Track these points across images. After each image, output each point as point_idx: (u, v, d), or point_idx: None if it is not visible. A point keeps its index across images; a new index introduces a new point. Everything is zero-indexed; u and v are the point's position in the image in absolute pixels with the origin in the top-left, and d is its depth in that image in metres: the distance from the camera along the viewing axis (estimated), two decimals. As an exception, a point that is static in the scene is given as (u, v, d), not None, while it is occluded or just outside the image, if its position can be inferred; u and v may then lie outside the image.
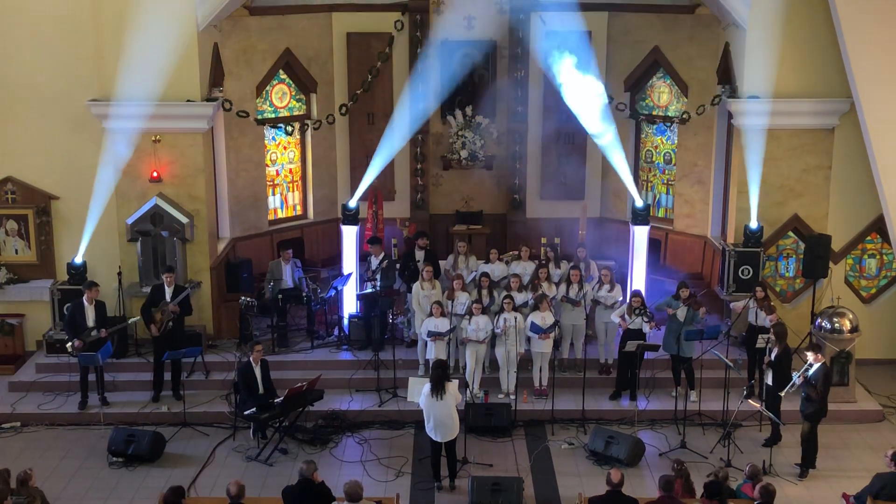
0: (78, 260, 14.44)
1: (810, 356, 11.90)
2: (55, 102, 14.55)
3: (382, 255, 14.91)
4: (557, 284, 14.16)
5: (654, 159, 17.11)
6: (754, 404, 12.28)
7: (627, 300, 13.78)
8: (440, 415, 11.43)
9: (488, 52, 16.82)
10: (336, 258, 15.92)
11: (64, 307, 13.74)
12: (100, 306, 13.49)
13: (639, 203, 15.07)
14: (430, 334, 13.44)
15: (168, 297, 13.59)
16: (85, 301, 13.38)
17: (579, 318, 14.05)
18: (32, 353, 15.12)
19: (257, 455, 12.48)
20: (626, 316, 13.49)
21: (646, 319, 13.35)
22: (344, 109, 16.74)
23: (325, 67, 16.94)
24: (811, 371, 11.82)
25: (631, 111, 16.83)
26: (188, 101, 14.22)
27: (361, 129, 17.09)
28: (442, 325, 13.46)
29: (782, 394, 12.05)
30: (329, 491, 9.83)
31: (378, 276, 14.67)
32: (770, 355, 12.40)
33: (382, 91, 16.93)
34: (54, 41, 14.42)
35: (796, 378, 11.83)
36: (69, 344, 13.32)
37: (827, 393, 11.97)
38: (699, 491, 10.29)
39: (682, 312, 13.36)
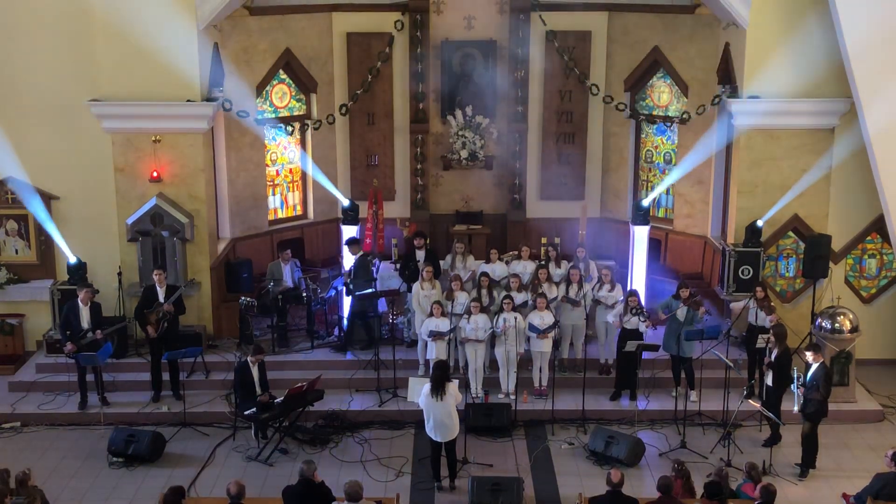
0: (71, 260, 14.42)
1: (809, 356, 11.91)
2: (55, 102, 14.54)
3: (360, 253, 14.76)
4: (558, 284, 14.16)
5: (654, 159, 17.09)
6: (754, 404, 12.28)
7: (625, 300, 13.78)
8: (440, 415, 11.42)
9: (488, 52, 16.82)
10: (336, 258, 15.92)
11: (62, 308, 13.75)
12: (95, 307, 13.47)
13: (645, 203, 15.17)
14: (431, 334, 13.43)
15: (161, 296, 13.57)
16: (80, 302, 13.35)
17: (579, 318, 14.04)
18: (32, 353, 15.12)
19: (257, 455, 12.48)
20: (622, 316, 13.49)
21: (642, 319, 13.35)
22: (344, 109, 16.74)
23: (325, 67, 16.94)
24: (810, 373, 11.83)
25: (631, 111, 16.83)
26: (188, 101, 14.23)
27: (361, 129, 17.09)
28: (442, 324, 13.46)
29: (795, 410, 12.01)
30: (329, 491, 9.84)
31: (352, 275, 14.54)
32: (770, 356, 12.40)
33: (382, 91, 16.93)
34: (55, 41, 14.43)
35: (796, 389, 11.84)
36: (64, 347, 13.34)
37: (829, 393, 11.98)
38: (699, 491, 10.31)
39: (682, 312, 13.35)
